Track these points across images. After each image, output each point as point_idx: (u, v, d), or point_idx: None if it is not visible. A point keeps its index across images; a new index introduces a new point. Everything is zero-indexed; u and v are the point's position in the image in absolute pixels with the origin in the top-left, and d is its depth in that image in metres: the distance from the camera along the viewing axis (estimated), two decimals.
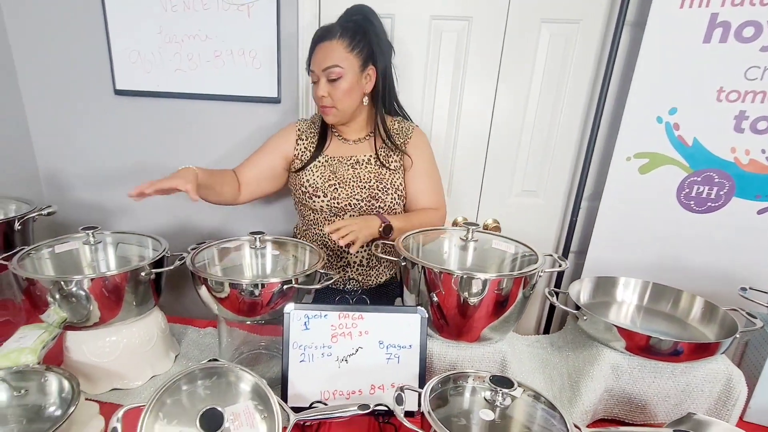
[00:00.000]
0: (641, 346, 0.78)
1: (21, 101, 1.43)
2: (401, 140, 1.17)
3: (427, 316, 0.81)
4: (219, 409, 0.61)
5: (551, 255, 0.90)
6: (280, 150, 1.17)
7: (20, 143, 1.45)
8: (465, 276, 0.79)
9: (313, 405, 0.79)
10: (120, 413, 0.61)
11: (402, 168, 1.16)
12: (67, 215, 1.52)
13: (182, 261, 0.89)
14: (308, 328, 0.80)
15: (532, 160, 1.45)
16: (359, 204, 1.12)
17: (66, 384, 0.75)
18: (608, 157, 1.33)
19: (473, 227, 0.92)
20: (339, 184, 1.12)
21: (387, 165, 1.14)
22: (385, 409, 0.78)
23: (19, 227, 0.95)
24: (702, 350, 0.77)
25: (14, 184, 1.42)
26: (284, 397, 0.79)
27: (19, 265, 0.82)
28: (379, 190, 1.12)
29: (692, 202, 1.29)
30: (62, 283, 0.78)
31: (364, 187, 1.12)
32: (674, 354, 0.76)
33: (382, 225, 1.02)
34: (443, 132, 1.42)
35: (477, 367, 0.87)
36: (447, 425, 0.56)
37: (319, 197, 1.12)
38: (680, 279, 1.18)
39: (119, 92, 1.39)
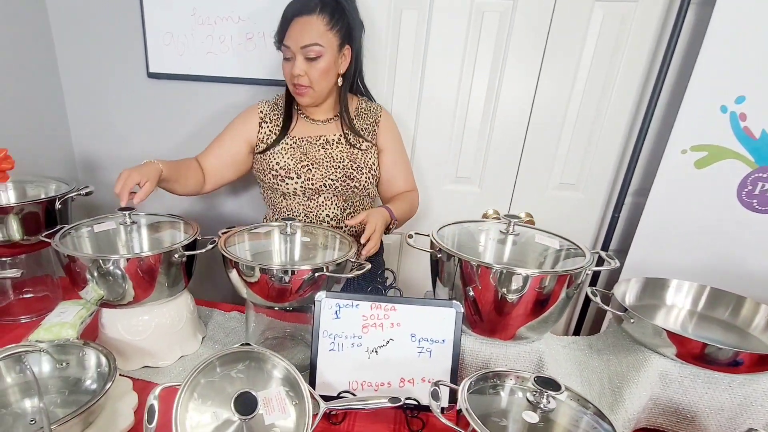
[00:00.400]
0: (695, 354, 0.74)
1: (60, 83, 1.48)
2: (370, 120, 1.16)
3: (462, 310, 0.79)
4: (253, 393, 0.61)
5: (598, 252, 0.86)
6: (243, 135, 1.14)
7: (58, 125, 1.51)
8: (505, 271, 0.76)
9: (341, 394, 0.79)
10: (157, 391, 0.63)
11: (374, 147, 1.15)
12: (100, 196, 1.57)
13: (213, 245, 0.90)
14: (339, 317, 0.80)
15: (573, 150, 1.39)
16: (334, 184, 1.10)
17: (103, 359, 0.78)
18: (659, 150, 1.26)
19: (514, 220, 0.89)
20: (312, 164, 1.10)
21: (358, 146, 1.13)
22: (415, 403, 0.78)
23: (59, 206, 0.98)
24: (765, 362, 0.72)
25: (52, 165, 1.48)
26: (312, 384, 0.80)
27: (61, 243, 0.85)
28: (354, 170, 1.11)
29: (755, 201, 1.21)
30: (101, 261, 0.80)
31: (338, 166, 1.10)
32: (733, 364, 0.72)
33: (393, 221, 1.05)
34: (478, 120, 1.38)
35: (512, 366, 0.85)
36: (485, 424, 0.54)
37: (292, 179, 1.10)
38: (734, 284, 1.10)
39: (152, 75, 1.42)
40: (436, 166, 1.45)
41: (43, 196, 1.01)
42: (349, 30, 1.05)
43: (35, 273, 1.07)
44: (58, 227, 0.91)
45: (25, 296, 1.09)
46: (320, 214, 1.14)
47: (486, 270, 0.78)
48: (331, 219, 1.15)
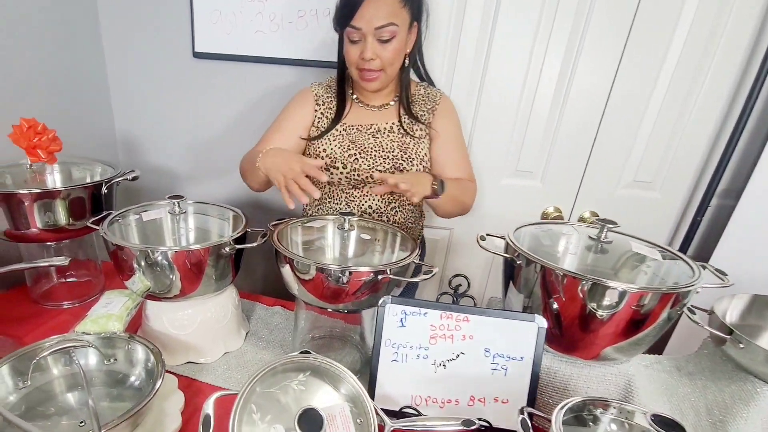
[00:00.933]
0: None
1: (104, 63, 1.46)
2: (428, 106, 1.07)
3: (545, 326, 0.71)
4: (319, 411, 0.55)
5: (706, 266, 0.76)
6: (301, 119, 1.08)
7: (101, 106, 1.49)
8: (599, 284, 0.67)
9: (403, 410, 0.73)
10: (212, 399, 0.58)
11: (428, 137, 1.07)
12: (140, 180, 1.56)
13: (265, 238, 0.85)
14: (404, 325, 0.73)
15: (653, 145, 1.27)
16: None
17: (150, 355, 0.74)
18: (755, 147, 1.13)
19: (608, 225, 0.79)
20: (360, 153, 1.04)
21: (411, 133, 1.05)
22: (486, 425, 0.71)
23: (105, 191, 0.95)
24: None
25: (93, 146, 1.47)
26: (371, 397, 0.73)
27: (108, 230, 0.82)
28: (404, 161, 1.04)
29: None
30: (150, 252, 0.76)
31: (387, 157, 1.04)
32: None
33: (436, 181, 0.93)
34: (546, 110, 1.27)
35: (595, 389, 0.77)
36: None
37: (337, 168, 1.04)
38: None
39: (197, 55, 1.37)
40: (494, 158, 1.35)
41: (89, 181, 0.98)
42: (419, 4, 0.97)
43: (78, 257, 1.06)
44: (105, 213, 0.88)
45: (67, 280, 1.08)
46: (363, 204, 1.09)
47: (574, 281, 0.69)
48: (374, 211, 1.09)
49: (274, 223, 0.91)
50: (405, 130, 1.05)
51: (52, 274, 1.05)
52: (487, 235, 0.84)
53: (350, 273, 0.75)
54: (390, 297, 0.73)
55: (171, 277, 0.80)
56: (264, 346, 0.95)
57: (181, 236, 0.92)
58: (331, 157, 1.05)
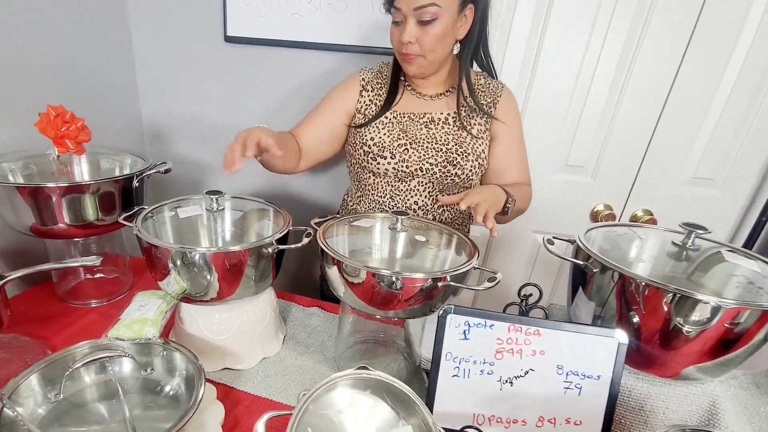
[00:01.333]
0: None
1: (131, 47, 1.41)
2: (488, 100, 0.99)
3: (626, 342, 0.64)
4: None
5: None
6: (342, 105, 1.02)
7: (127, 93, 1.44)
8: (688, 297, 0.60)
9: (465, 429, 0.67)
10: (263, 420, 0.53)
11: (487, 134, 0.99)
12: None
13: (309, 237, 0.80)
14: (467, 338, 0.67)
15: (716, 141, 1.18)
16: (432, 169, 0.98)
17: (188, 364, 0.69)
18: None
19: (697, 230, 0.72)
20: (410, 144, 0.98)
21: (469, 127, 0.98)
22: None
23: (137, 184, 0.91)
24: None
25: (119, 135, 1.43)
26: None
27: (142, 227, 0.76)
28: (458, 155, 0.97)
29: None
30: (188, 253, 0.71)
31: (441, 149, 0.97)
32: None
33: (509, 198, 0.86)
34: (601, 102, 1.19)
35: (675, 410, 0.70)
36: None
37: (385, 158, 0.98)
38: None
39: (230, 39, 1.31)
40: (543, 152, 1.27)
41: (118, 173, 0.93)
42: None
43: (105, 251, 1.01)
44: (137, 209, 0.83)
45: (95, 277, 1.04)
46: (408, 199, 1.02)
47: (658, 292, 0.62)
48: (419, 208, 1.02)
49: (317, 220, 0.86)
50: (462, 124, 0.98)
51: (80, 270, 1.01)
52: (555, 238, 0.77)
53: (404, 279, 0.69)
54: (452, 306, 0.67)
55: (209, 278, 0.74)
56: (303, 351, 0.90)
57: (218, 235, 0.87)
58: (378, 146, 0.98)
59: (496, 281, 0.70)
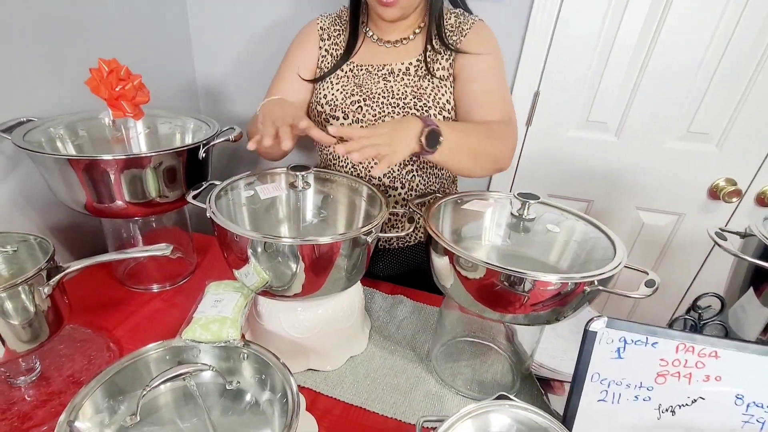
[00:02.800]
0: None
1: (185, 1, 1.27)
2: (455, 38, 0.87)
3: None
4: None
5: None
6: (304, 59, 0.92)
7: (181, 50, 1.31)
8: None
9: None
10: None
11: (451, 77, 0.88)
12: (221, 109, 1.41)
13: (413, 224, 0.69)
14: (621, 356, 0.56)
15: None
16: None
17: (275, 370, 0.60)
18: None
19: None
20: (364, 101, 0.88)
21: (432, 72, 0.87)
22: None
23: (203, 155, 0.80)
24: None
25: (173, 96, 1.31)
26: None
27: (216, 206, 0.67)
28: (417, 109, 0.87)
29: None
30: (274, 244, 0.61)
31: (398, 104, 0.87)
32: None
33: (426, 129, 0.67)
34: (740, 62, 1.00)
35: None
36: None
37: (337, 119, 0.89)
38: None
39: None
40: (660, 117, 1.11)
41: (179, 141, 0.83)
42: None
43: (165, 226, 0.94)
44: (206, 185, 0.73)
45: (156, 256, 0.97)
46: (371, 167, 0.91)
47: None
48: (385, 176, 0.91)
49: (416, 200, 0.75)
50: (428, 70, 0.86)
51: None
52: (724, 230, 0.64)
53: (536, 281, 0.58)
54: (605, 318, 0.56)
55: (295, 270, 0.65)
56: (393, 349, 0.82)
57: (305, 220, 0.77)
58: (331, 105, 0.89)
59: (655, 287, 0.58)
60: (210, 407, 0.61)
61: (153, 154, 0.75)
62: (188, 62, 1.35)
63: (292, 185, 0.74)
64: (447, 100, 0.87)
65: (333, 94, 0.89)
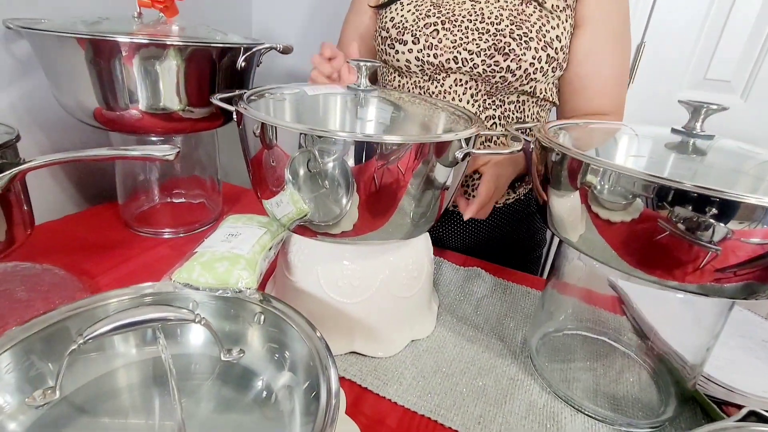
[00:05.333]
0: None
1: None
2: None
3: None
4: None
5: None
6: None
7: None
8: None
9: None
10: None
11: (570, 14, 0.69)
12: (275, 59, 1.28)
13: (522, 144, 0.47)
14: None
15: None
16: (473, 59, 0.69)
17: (306, 343, 0.39)
18: None
19: None
20: (442, 23, 0.70)
21: (543, 3, 0.68)
22: None
23: (243, 64, 0.64)
24: None
25: (224, 19, 1.18)
26: None
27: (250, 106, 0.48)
28: (513, 39, 0.66)
29: None
30: (322, 142, 0.41)
31: (488, 30, 0.68)
32: None
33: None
34: None
35: None
36: None
37: (405, 44, 0.71)
38: None
39: None
40: None
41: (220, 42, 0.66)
42: None
43: (191, 169, 0.78)
44: (238, 92, 0.55)
45: (174, 201, 0.80)
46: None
47: None
48: None
49: (516, 125, 0.53)
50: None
51: (154, 188, 0.78)
52: None
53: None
54: None
55: (349, 197, 0.44)
56: (471, 336, 0.60)
57: (363, 129, 0.57)
58: (398, 29, 0.72)
59: None
60: (189, 390, 0.39)
61: (180, 42, 0.59)
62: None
63: (351, 86, 0.54)
64: (556, 36, 0.68)
65: (402, 16, 0.73)
